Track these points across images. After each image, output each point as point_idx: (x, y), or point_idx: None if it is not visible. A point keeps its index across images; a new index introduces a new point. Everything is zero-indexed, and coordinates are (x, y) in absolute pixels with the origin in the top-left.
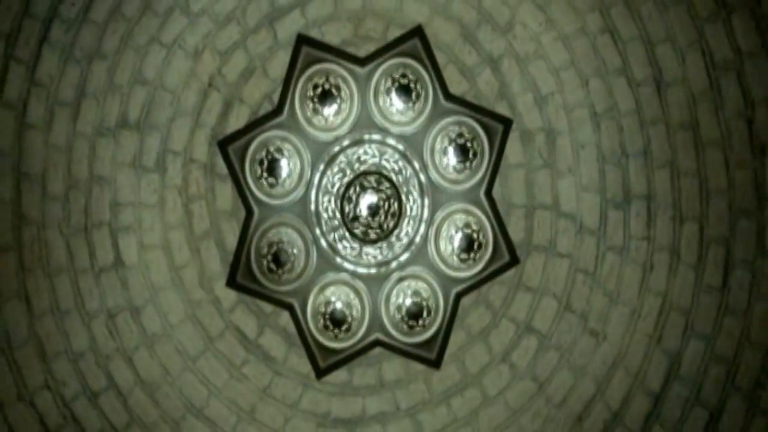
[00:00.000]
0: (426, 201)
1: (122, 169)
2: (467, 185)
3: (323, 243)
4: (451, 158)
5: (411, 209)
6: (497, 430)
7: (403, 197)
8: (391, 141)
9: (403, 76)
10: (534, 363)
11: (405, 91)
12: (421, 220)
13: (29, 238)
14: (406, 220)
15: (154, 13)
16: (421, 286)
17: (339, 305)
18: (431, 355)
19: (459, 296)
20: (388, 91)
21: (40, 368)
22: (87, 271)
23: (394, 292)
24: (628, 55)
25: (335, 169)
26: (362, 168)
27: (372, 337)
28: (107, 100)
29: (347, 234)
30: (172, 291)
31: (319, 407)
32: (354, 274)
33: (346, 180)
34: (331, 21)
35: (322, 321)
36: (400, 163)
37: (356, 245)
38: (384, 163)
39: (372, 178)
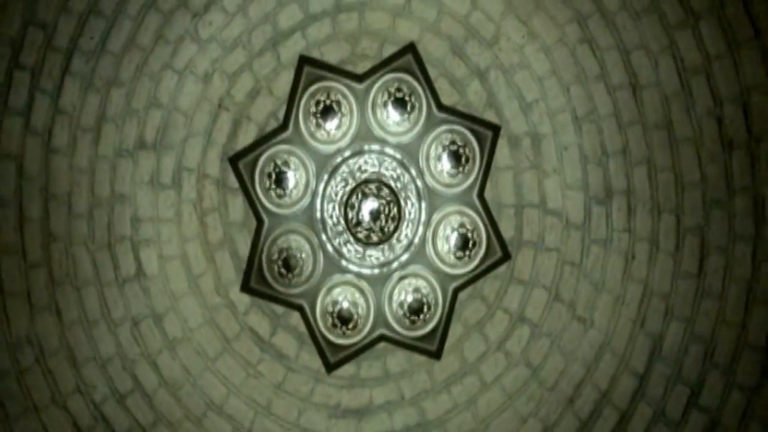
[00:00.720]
0: (423, 205)
1: (141, 186)
2: (461, 188)
3: (329, 247)
4: (445, 164)
5: (409, 213)
6: (495, 413)
7: (402, 202)
8: (389, 150)
9: (399, 89)
10: (527, 350)
11: (400, 103)
12: (419, 223)
13: (57, 254)
14: (406, 223)
15: (166, 42)
16: (420, 283)
17: (345, 304)
18: (432, 346)
19: (456, 291)
20: (384, 105)
21: (72, 374)
22: (111, 283)
23: (396, 290)
24: (606, 62)
25: (338, 179)
26: (363, 176)
27: (377, 333)
28: (125, 124)
29: (351, 238)
30: (191, 298)
31: (330, 399)
32: (358, 275)
33: (348, 188)
34: (330, 42)
35: (330, 320)
36: (398, 171)
37: (360, 248)
38: (383, 171)
39: (372, 186)
